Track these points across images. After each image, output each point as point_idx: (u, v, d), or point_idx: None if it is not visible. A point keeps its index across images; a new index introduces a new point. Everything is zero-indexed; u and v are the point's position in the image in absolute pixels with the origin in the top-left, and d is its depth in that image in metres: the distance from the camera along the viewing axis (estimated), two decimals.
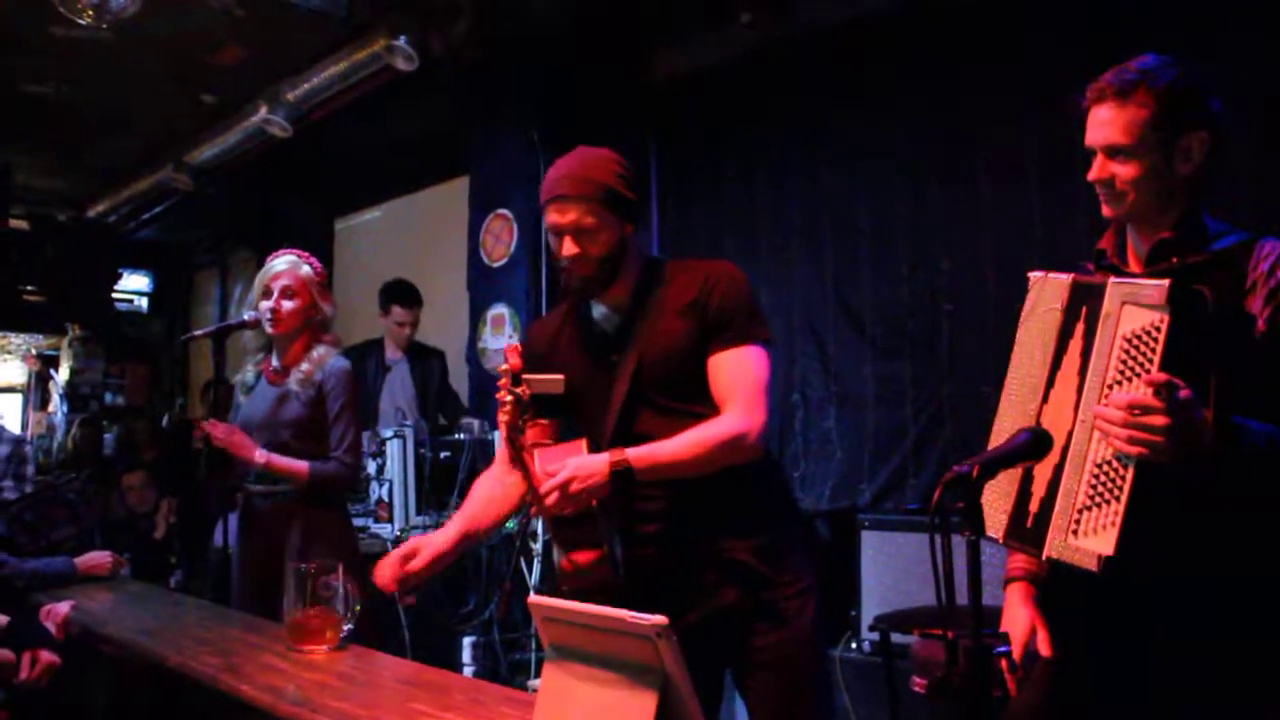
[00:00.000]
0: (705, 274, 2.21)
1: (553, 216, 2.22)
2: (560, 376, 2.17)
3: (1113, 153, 1.81)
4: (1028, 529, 1.74)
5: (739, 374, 2.13)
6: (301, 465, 3.24)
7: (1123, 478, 1.60)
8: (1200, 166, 1.80)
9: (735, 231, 5.10)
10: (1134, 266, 1.88)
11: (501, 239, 5.55)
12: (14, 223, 8.85)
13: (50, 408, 9.96)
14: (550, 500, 2.01)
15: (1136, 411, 1.56)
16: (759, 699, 2.19)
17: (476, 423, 5.07)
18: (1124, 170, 1.80)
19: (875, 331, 4.53)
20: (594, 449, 2.12)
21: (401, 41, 5.17)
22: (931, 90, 4.42)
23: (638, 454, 2.06)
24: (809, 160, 4.83)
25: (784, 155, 4.95)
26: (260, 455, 3.23)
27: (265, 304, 3.32)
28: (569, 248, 2.19)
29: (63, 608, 2.78)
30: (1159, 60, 1.80)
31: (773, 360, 2.20)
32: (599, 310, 2.31)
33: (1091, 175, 1.84)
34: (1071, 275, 1.81)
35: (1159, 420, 1.54)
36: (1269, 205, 3.35)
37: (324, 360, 3.33)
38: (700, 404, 2.15)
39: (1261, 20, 3.45)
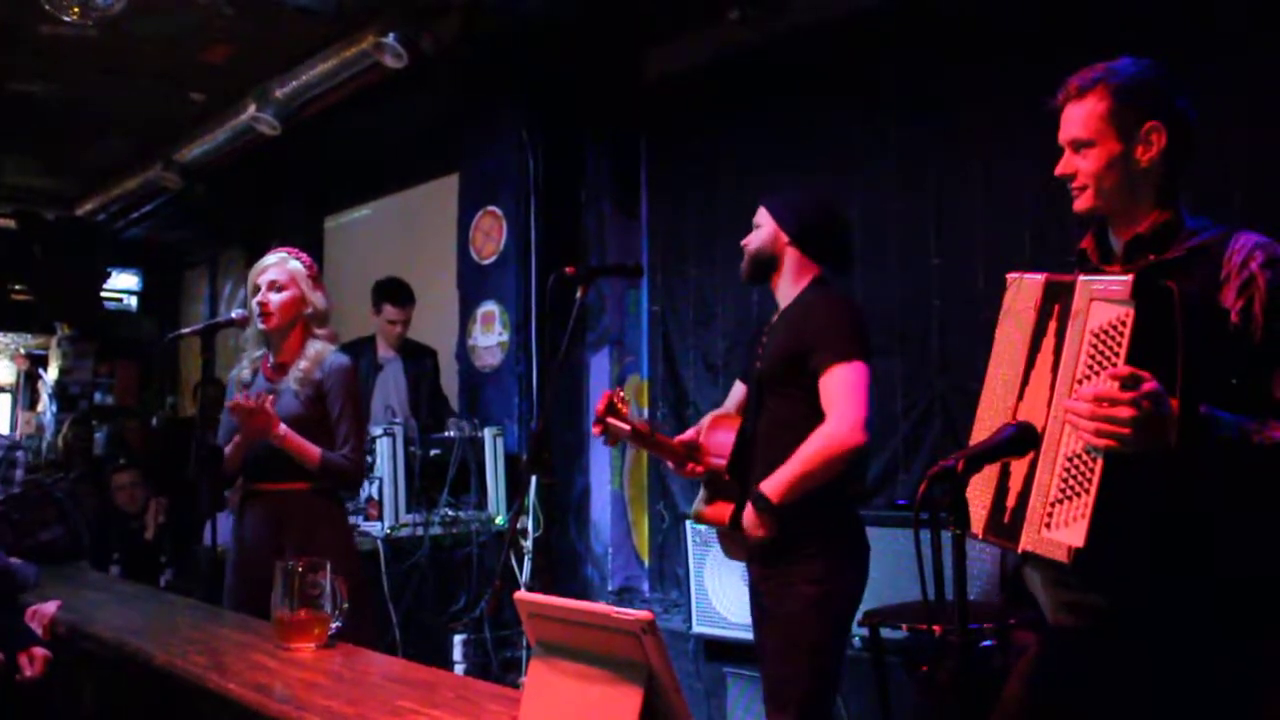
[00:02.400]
0: (808, 305, 2.81)
1: None
2: (627, 427, 2.81)
3: (1076, 147, 1.88)
4: (1005, 524, 1.76)
5: (833, 389, 2.68)
6: (315, 449, 3.22)
7: (1092, 470, 1.62)
8: (1162, 159, 1.84)
9: (727, 229, 5.09)
10: (1115, 266, 1.91)
11: (492, 236, 5.55)
12: (1, 221, 8.82)
13: (39, 407, 9.92)
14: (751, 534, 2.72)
15: (1103, 403, 1.57)
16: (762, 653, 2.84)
17: (463, 422, 5.07)
18: (1085, 164, 1.87)
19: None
20: (744, 420, 2.87)
21: (390, 39, 5.15)
22: (922, 87, 4.43)
23: (772, 490, 2.66)
24: (800, 157, 4.84)
25: (775, 153, 4.95)
26: (281, 428, 3.18)
27: (255, 300, 3.31)
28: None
29: (49, 608, 2.77)
30: (1128, 60, 1.87)
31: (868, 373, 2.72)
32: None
33: (1056, 170, 1.91)
34: (1045, 275, 1.84)
35: (1124, 411, 1.56)
36: (1263, 208, 3.36)
37: (322, 357, 3.31)
38: (797, 388, 2.75)
39: (1258, 21, 3.46)
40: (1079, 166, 1.88)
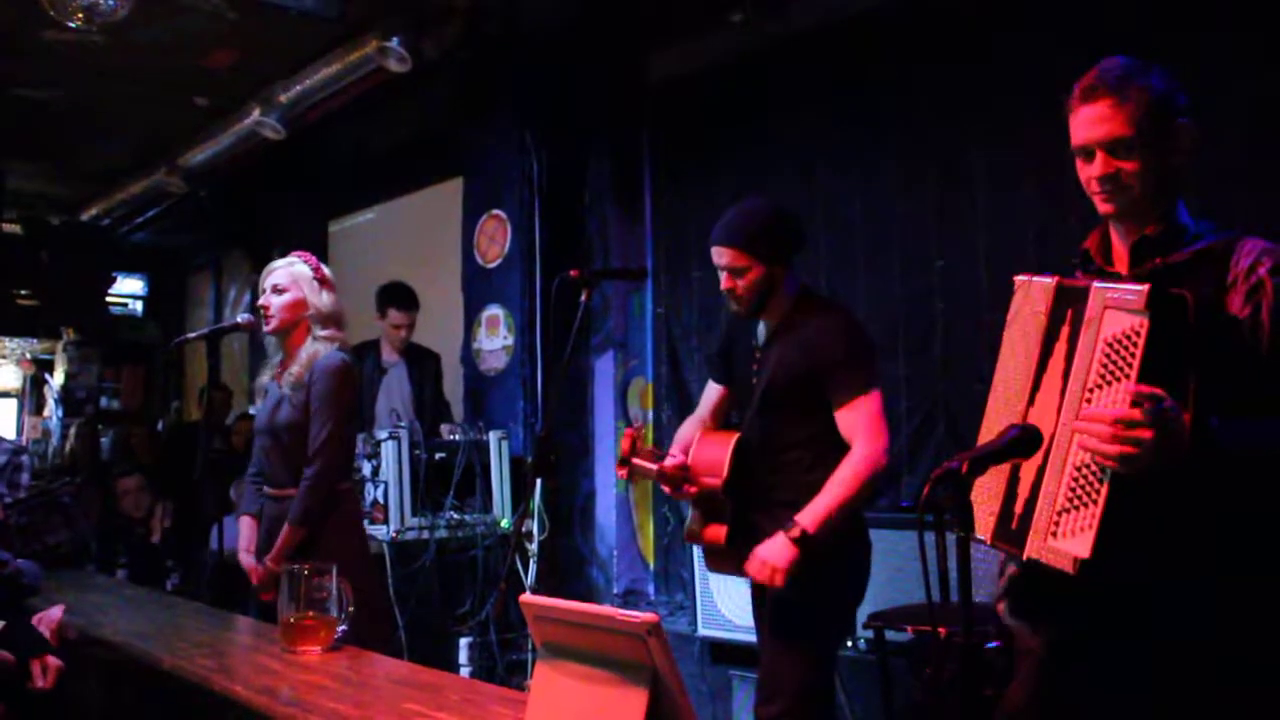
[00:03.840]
0: (814, 325, 2.79)
1: (713, 255, 2.81)
2: (654, 467, 2.86)
3: (1116, 147, 1.82)
4: (1012, 530, 1.75)
5: (857, 421, 2.71)
6: (286, 527, 3.15)
7: (1100, 481, 1.60)
8: (1187, 158, 1.84)
9: None
10: (1118, 266, 1.90)
11: (495, 240, 5.55)
12: (7, 227, 8.84)
13: (45, 412, 9.94)
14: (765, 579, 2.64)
15: (1121, 425, 1.56)
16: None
17: (454, 426, 5.08)
18: (1128, 164, 1.82)
19: (868, 330, 4.53)
20: (741, 437, 2.84)
21: (394, 43, 5.16)
22: (925, 89, 4.43)
23: (809, 520, 2.63)
24: (802, 159, 4.84)
25: (777, 154, 4.96)
26: (276, 565, 3.13)
27: (260, 303, 3.33)
28: (724, 282, 2.81)
29: (55, 613, 2.77)
30: (1130, 59, 1.85)
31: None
32: (762, 324, 2.89)
33: (1095, 172, 1.84)
34: (1055, 279, 1.82)
35: (1145, 434, 1.55)
36: (1263, 207, 3.36)
37: (314, 358, 3.26)
38: (804, 408, 2.77)
39: (1255, 21, 3.46)
40: (1121, 166, 1.82)
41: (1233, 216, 1.92)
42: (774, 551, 2.61)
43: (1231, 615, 1.71)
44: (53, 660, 2.52)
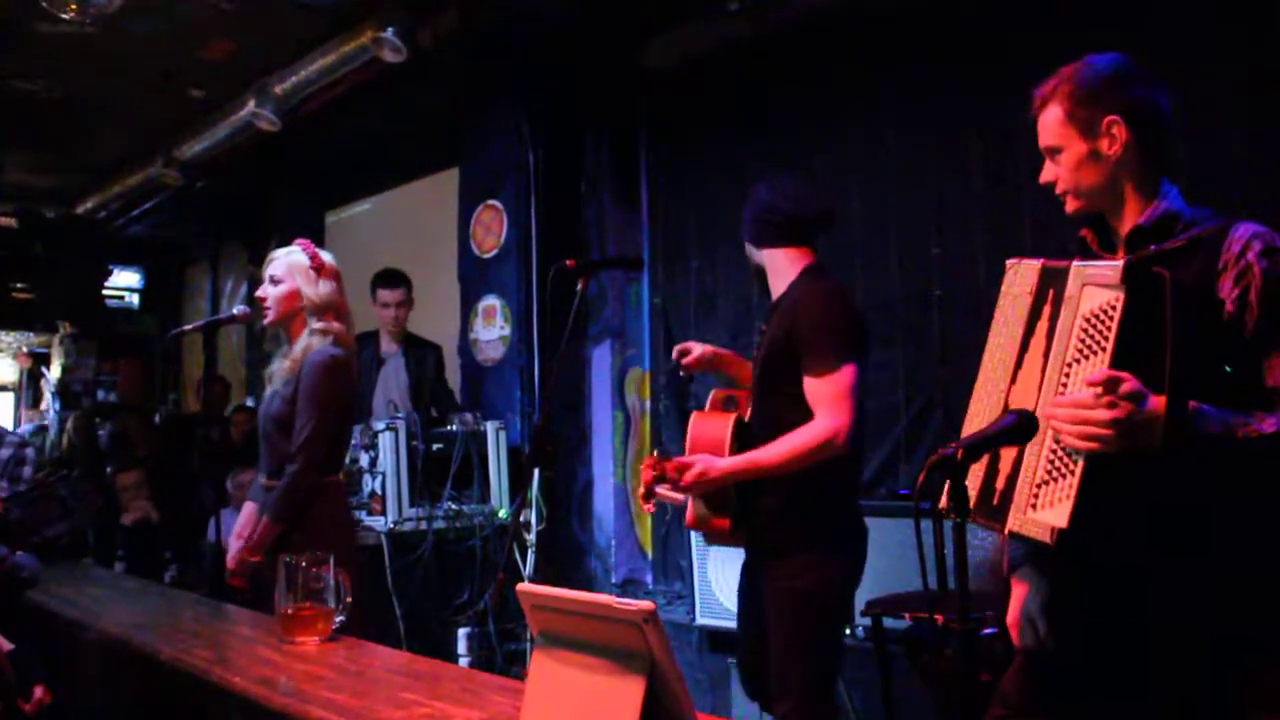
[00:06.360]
0: (795, 301, 2.73)
1: None
2: (680, 498, 2.74)
3: (1050, 155, 1.91)
4: (994, 505, 1.78)
5: (821, 391, 2.62)
6: (265, 519, 3.12)
7: (1077, 453, 1.64)
8: (1129, 150, 1.84)
9: (727, 221, 5.09)
10: (1118, 254, 1.91)
11: (492, 230, 5.55)
12: (2, 220, 8.83)
13: (43, 405, 9.93)
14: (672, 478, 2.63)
15: (1084, 410, 1.61)
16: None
17: (469, 415, 5.07)
18: (1061, 169, 1.90)
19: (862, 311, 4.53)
20: (739, 417, 2.80)
21: (389, 33, 5.15)
22: (922, 77, 4.42)
23: (727, 464, 2.64)
24: (800, 148, 4.83)
25: (775, 143, 4.95)
26: (256, 556, 3.14)
27: (258, 294, 3.32)
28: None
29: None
30: (1089, 58, 1.88)
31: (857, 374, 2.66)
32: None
33: (1040, 178, 1.94)
34: (1042, 261, 1.86)
35: (1104, 415, 1.59)
36: (1264, 208, 3.36)
37: (307, 352, 3.21)
38: (785, 384, 2.69)
39: (1256, 20, 3.46)
40: (1057, 173, 1.90)
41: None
42: (704, 467, 2.61)
43: (1225, 601, 1.71)
44: (47, 695, 2.56)
